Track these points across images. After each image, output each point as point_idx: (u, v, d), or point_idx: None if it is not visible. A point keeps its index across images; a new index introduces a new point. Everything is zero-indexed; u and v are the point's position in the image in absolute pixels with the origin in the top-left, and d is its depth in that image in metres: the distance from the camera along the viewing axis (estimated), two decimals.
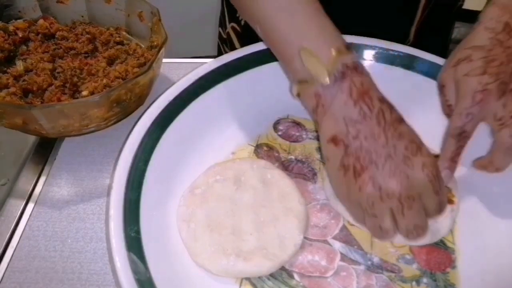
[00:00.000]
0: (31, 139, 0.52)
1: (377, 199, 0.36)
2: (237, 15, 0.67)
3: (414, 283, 0.38)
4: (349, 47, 0.39)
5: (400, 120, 0.38)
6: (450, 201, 0.42)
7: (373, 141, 0.36)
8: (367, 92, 0.37)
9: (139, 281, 0.33)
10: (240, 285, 0.38)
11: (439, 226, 0.41)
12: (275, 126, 0.50)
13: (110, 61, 0.53)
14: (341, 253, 0.40)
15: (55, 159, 0.49)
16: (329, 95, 0.37)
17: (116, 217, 0.36)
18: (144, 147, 0.41)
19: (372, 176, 0.36)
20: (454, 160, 0.40)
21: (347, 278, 0.38)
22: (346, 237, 0.41)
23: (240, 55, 0.50)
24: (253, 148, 0.48)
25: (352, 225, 0.42)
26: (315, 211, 0.43)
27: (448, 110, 0.44)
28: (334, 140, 0.38)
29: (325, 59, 0.38)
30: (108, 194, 0.39)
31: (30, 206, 0.45)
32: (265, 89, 0.50)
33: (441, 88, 0.44)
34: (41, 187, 0.46)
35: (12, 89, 0.48)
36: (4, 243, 0.42)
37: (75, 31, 0.56)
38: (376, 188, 0.36)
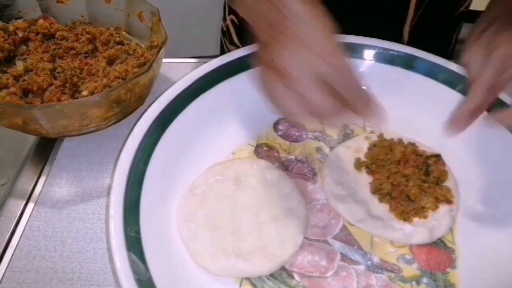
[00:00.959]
0: (31, 139, 0.52)
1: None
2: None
3: (414, 283, 0.38)
4: None
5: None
6: (449, 201, 0.42)
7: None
8: None
9: (139, 281, 0.33)
10: (240, 285, 0.38)
11: (438, 225, 0.41)
12: (275, 126, 0.50)
13: (110, 61, 0.53)
14: (341, 253, 0.40)
15: (55, 159, 0.49)
16: None
17: (116, 217, 0.36)
18: (144, 147, 0.41)
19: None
20: (474, 115, 0.39)
21: (347, 278, 0.38)
22: (346, 237, 0.41)
23: (240, 55, 0.50)
24: (253, 148, 0.48)
25: (352, 225, 0.42)
26: (315, 211, 0.43)
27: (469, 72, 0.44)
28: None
29: None
30: (108, 194, 0.39)
31: (30, 206, 0.45)
32: None
33: (466, 67, 0.43)
34: (41, 187, 0.46)
35: (12, 89, 0.48)
36: (4, 243, 0.42)
37: (75, 31, 0.56)
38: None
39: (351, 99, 0.35)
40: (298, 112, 0.36)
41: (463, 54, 0.45)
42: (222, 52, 0.76)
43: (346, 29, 0.50)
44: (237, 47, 0.71)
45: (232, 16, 0.69)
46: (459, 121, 0.41)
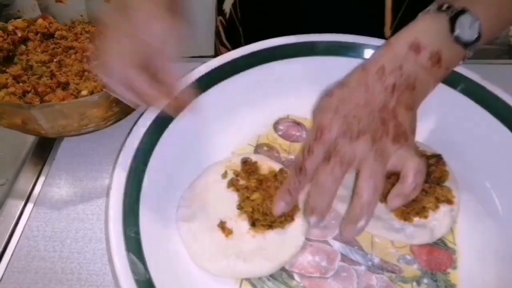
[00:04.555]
0: (31, 139, 0.52)
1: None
2: (223, 8, 0.67)
3: (414, 283, 0.38)
4: None
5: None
6: (450, 201, 0.42)
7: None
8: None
9: (138, 281, 0.33)
10: (240, 285, 0.38)
11: (438, 225, 0.41)
12: (275, 126, 0.50)
13: None
14: (342, 254, 0.40)
15: (54, 159, 0.49)
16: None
17: (115, 217, 0.36)
18: (144, 147, 0.41)
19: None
20: (292, 195, 0.39)
21: (348, 279, 0.38)
22: None
23: (240, 55, 0.50)
24: (253, 148, 0.48)
25: None
26: None
27: None
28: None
29: None
30: (108, 195, 0.39)
31: (29, 206, 0.45)
32: (265, 89, 0.50)
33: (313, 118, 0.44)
34: (40, 187, 0.46)
35: (11, 89, 0.48)
36: (4, 243, 0.42)
37: (74, 30, 0.56)
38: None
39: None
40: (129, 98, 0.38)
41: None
42: (216, 53, 0.77)
43: (330, 29, 0.50)
44: (227, 47, 0.71)
45: (220, 17, 0.70)
46: (280, 199, 0.40)
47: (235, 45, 0.70)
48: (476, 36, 0.40)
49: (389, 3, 0.57)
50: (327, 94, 0.41)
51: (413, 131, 0.40)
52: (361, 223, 0.37)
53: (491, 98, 0.45)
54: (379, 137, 0.37)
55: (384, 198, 0.42)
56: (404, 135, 0.38)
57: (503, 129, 0.44)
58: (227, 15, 0.67)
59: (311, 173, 0.38)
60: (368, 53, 0.52)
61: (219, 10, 0.70)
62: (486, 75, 0.47)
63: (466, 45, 0.41)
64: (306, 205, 0.39)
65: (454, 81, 0.47)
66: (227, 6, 0.67)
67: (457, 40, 0.40)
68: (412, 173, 0.37)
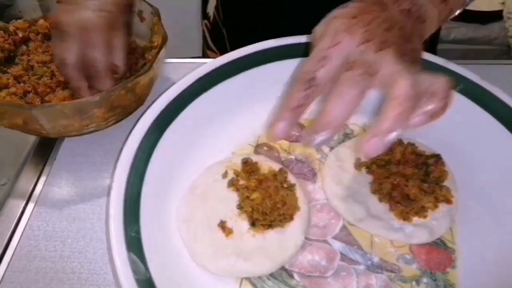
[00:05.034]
0: (31, 139, 0.52)
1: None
2: (207, 11, 0.68)
3: (414, 283, 0.38)
4: None
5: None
6: (449, 201, 0.42)
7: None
8: None
9: (139, 281, 0.33)
10: (240, 285, 0.38)
11: (437, 224, 0.41)
12: None
13: None
14: (341, 253, 0.40)
15: (55, 159, 0.49)
16: None
17: (116, 217, 0.36)
18: (144, 147, 0.41)
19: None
20: (296, 112, 0.33)
21: (347, 278, 0.38)
22: (346, 237, 0.41)
23: (240, 55, 0.50)
24: (253, 148, 0.48)
25: (352, 225, 0.42)
26: (315, 211, 0.43)
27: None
28: None
29: None
30: (108, 194, 0.39)
31: (30, 206, 0.45)
32: (265, 89, 0.50)
33: (313, 41, 0.37)
34: (41, 187, 0.46)
35: (12, 89, 0.48)
36: (4, 243, 0.42)
37: None
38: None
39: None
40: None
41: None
42: (204, 56, 0.78)
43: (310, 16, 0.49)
44: (213, 50, 0.72)
45: (205, 21, 0.70)
46: (281, 119, 0.34)
47: (220, 47, 0.71)
48: None
49: None
50: (342, 7, 0.37)
51: (421, 64, 0.36)
52: (392, 134, 0.31)
53: (490, 98, 0.46)
54: (402, 53, 0.33)
55: (385, 198, 0.43)
56: (419, 61, 0.35)
57: (502, 129, 0.44)
58: (211, 18, 0.68)
59: (323, 85, 0.33)
60: None
61: (204, 14, 0.70)
62: (485, 75, 0.47)
63: None
64: (316, 119, 0.33)
65: (453, 81, 0.48)
66: (211, 9, 0.68)
67: None
68: (443, 90, 0.33)
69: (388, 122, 0.31)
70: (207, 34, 0.72)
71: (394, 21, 0.35)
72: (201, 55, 0.80)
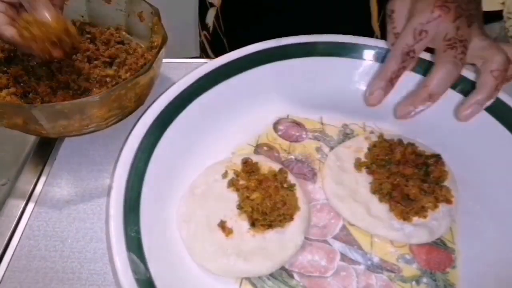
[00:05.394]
0: (31, 139, 0.52)
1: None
2: (206, 22, 0.68)
3: (414, 283, 0.38)
4: None
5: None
6: (449, 201, 0.42)
7: None
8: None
9: (139, 281, 0.33)
10: (240, 285, 0.38)
11: (437, 224, 0.41)
12: (275, 126, 0.51)
13: (110, 61, 0.53)
14: (341, 253, 0.40)
15: (55, 159, 0.49)
16: None
17: (116, 217, 0.36)
18: (144, 147, 0.41)
19: None
20: (392, 82, 0.39)
21: (347, 278, 0.38)
22: (346, 237, 0.41)
23: (240, 55, 0.50)
24: (253, 148, 0.48)
25: (352, 225, 0.42)
26: (315, 211, 0.43)
27: (394, 39, 0.42)
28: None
29: None
30: (108, 194, 0.39)
31: (30, 206, 0.45)
32: (265, 89, 0.50)
33: (391, 14, 0.42)
34: (41, 187, 0.46)
35: (12, 89, 0.48)
36: (4, 243, 0.42)
37: None
38: None
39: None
40: None
41: (390, 3, 0.43)
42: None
43: (315, 29, 0.50)
44: None
45: (204, 32, 0.70)
46: (377, 87, 0.40)
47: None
48: None
49: None
50: None
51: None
52: (490, 101, 0.39)
53: None
54: (480, 24, 0.39)
55: (385, 198, 0.43)
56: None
57: (502, 129, 0.45)
58: (211, 29, 0.67)
59: (418, 57, 0.39)
60: (367, 53, 0.52)
61: (202, 25, 0.70)
62: None
63: None
64: (414, 92, 0.40)
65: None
66: (210, 19, 0.68)
67: None
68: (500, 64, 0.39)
69: (488, 91, 0.38)
70: (206, 45, 0.72)
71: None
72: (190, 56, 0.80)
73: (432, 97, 0.39)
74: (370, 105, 0.40)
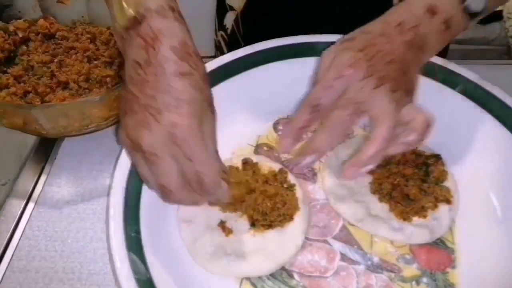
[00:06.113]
0: (31, 139, 0.52)
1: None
2: (224, 23, 0.67)
3: (414, 283, 0.38)
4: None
5: (178, 75, 0.34)
6: (449, 201, 0.42)
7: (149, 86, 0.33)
8: (157, 39, 0.33)
9: (139, 281, 0.33)
10: (240, 284, 0.38)
11: (437, 224, 0.41)
12: (275, 126, 0.50)
13: (110, 61, 0.53)
14: (341, 253, 0.40)
15: (55, 159, 0.49)
16: (127, 39, 0.34)
17: (116, 217, 0.36)
18: None
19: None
20: (300, 131, 0.40)
21: (347, 278, 0.38)
22: (346, 237, 0.41)
23: (240, 55, 0.50)
24: (253, 148, 0.48)
25: (352, 225, 0.42)
26: (315, 211, 0.43)
27: (314, 81, 0.43)
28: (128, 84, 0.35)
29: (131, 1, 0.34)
30: (108, 194, 0.39)
31: (30, 206, 0.45)
32: (265, 89, 0.50)
33: (320, 61, 0.42)
34: (41, 187, 0.46)
35: (12, 89, 0.48)
36: (4, 243, 0.42)
37: (75, 31, 0.56)
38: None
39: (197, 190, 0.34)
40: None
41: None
42: None
43: (328, 30, 0.50)
44: None
45: (221, 32, 0.70)
46: (287, 136, 0.41)
47: None
48: (482, 7, 0.41)
49: None
50: (347, 38, 0.41)
51: (416, 91, 0.41)
52: (366, 168, 0.38)
53: (490, 98, 0.46)
54: (397, 87, 0.38)
55: (385, 198, 0.43)
56: (413, 91, 0.40)
57: (502, 129, 0.44)
58: (229, 31, 0.67)
59: (325, 110, 0.38)
60: None
61: (220, 25, 0.70)
62: (485, 75, 0.47)
63: (471, 15, 0.41)
64: (306, 143, 0.40)
65: (453, 81, 0.48)
66: (229, 21, 0.67)
67: (465, 9, 0.41)
68: (422, 127, 0.39)
69: (365, 157, 0.38)
70: (223, 45, 0.71)
71: (396, 53, 0.39)
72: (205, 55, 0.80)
73: (317, 151, 0.40)
74: (281, 152, 0.41)
